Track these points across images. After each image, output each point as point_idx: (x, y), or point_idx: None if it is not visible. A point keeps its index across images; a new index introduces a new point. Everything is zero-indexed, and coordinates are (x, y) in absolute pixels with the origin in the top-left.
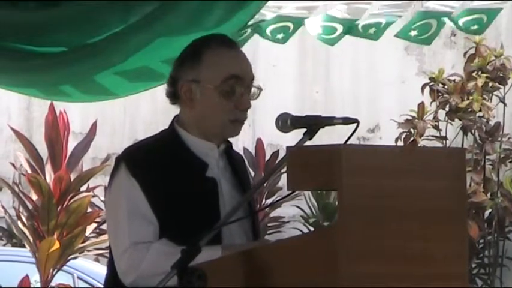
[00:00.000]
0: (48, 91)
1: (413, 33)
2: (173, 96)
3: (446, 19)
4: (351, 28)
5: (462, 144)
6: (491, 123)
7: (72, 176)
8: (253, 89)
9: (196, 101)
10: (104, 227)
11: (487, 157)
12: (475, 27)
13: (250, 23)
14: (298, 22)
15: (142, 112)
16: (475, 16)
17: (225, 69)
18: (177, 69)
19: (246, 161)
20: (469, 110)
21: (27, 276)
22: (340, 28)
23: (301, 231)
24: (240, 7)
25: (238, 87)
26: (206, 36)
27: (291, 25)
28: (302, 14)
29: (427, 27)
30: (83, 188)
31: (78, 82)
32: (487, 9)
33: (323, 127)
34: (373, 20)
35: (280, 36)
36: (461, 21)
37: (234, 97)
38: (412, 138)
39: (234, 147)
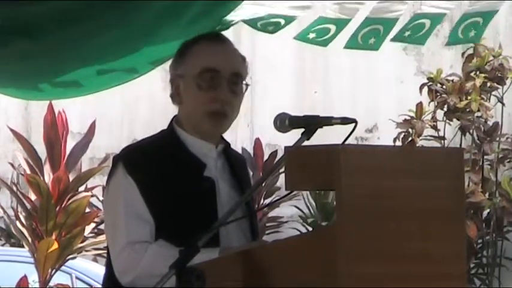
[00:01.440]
0: (26, 89)
1: (407, 33)
2: (172, 95)
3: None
4: (350, 40)
5: (460, 144)
6: (490, 123)
7: (71, 176)
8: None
9: (182, 95)
10: (102, 227)
11: (485, 157)
12: (473, 33)
13: (237, 19)
14: (290, 19)
15: (140, 112)
16: (471, 20)
17: (203, 61)
18: (170, 68)
19: (246, 161)
20: (467, 110)
21: (25, 276)
22: (333, 28)
23: (299, 231)
24: (218, 3)
25: (215, 80)
26: (199, 35)
27: (282, 21)
28: (295, 13)
29: (420, 26)
30: (81, 188)
31: (56, 76)
32: (482, 12)
33: (321, 127)
34: (371, 28)
35: (270, 28)
36: (460, 30)
37: (211, 89)
38: (410, 138)
39: (232, 147)
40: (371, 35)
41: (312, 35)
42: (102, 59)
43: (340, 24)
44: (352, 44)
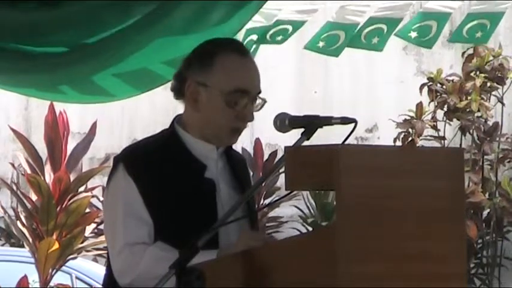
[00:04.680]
0: (47, 91)
1: (413, 34)
2: (178, 92)
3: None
4: (353, 39)
5: (460, 144)
6: (490, 123)
7: (72, 177)
8: (258, 101)
9: (201, 103)
10: (102, 227)
11: (485, 157)
12: (479, 34)
13: (252, 35)
14: (297, 25)
15: (140, 112)
16: (477, 22)
17: (235, 80)
18: (186, 67)
19: (246, 161)
20: (468, 110)
21: (25, 276)
22: (342, 35)
23: (299, 231)
24: (240, 7)
25: (244, 99)
26: (221, 39)
27: (289, 27)
28: (302, 18)
29: (427, 29)
30: (81, 189)
31: (77, 83)
32: (488, 13)
33: (321, 127)
34: (374, 27)
35: (279, 38)
36: (465, 30)
37: (237, 107)
38: (410, 138)
39: (233, 148)
40: (374, 34)
41: (322, 44)
42: (124, 65)
43: (349, 30)
44: (355, 42)
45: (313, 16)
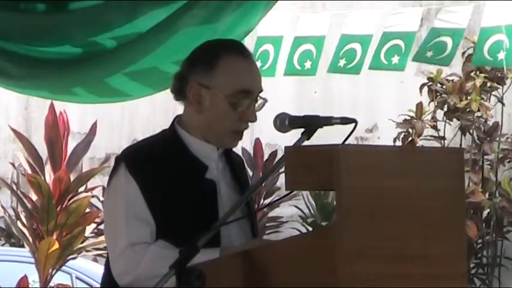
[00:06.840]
0: (59, 93)
1: (429, 53)
2: (178, 93)
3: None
4: (374, 60)
5: (460, 144)
6: (490, 123)
7: (72, 177)
8: (259, 101)
9: (204, 105)
10: (103, 227)
11: (485, 157)
12: (501, 54)
13: (265, 44)
14: (319, 42)
15: (140, 112)
16: (495, 38)
17: (238, 81)
18: (188, 68)
19: (244, 162)
20: (468, 110)
21: (25, 276)
22: (359, 48)
23: (299, 231)
24: (251, 8)
25: (247, 100)
26: (223, 41)
27: (312, 48)
28: (319, 32)
29: (442, 46)
30: (81, 189)
31: (91, 84)
32: (504, 26)
33: (321, 127)
34: (391, 44)
35: (308, 65)
36: (485, 48)
37: (240, 108)
38: (410, 138)
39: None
40: (393, 52)
41: (342, 62)
42: (134, 65)
43: (364, 42)
44: (376, 64)
45: (330, 32)
